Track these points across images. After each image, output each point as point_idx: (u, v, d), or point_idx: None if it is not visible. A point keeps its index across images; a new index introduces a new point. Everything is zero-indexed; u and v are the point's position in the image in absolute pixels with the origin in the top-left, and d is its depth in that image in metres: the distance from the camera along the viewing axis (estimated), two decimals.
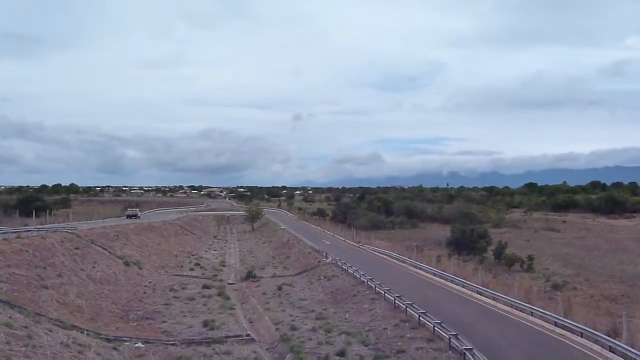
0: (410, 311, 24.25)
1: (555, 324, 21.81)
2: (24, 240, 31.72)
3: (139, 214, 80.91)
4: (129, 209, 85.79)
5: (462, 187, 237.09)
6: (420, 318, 22.85)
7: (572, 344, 19.76)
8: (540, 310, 23.59)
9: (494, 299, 27.34)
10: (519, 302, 25.50)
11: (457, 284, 31.97)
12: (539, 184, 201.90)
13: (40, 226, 44.43)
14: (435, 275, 35.59)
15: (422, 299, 26.67)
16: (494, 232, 70.65)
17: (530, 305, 24.58)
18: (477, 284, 30.35)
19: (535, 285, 36.29)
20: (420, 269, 38.46)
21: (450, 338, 19.45)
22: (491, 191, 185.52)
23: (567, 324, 21.24)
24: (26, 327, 18.10)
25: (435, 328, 21.15)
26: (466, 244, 58.19)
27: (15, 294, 23.12)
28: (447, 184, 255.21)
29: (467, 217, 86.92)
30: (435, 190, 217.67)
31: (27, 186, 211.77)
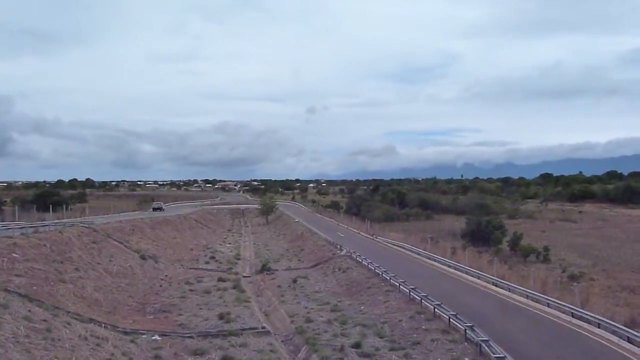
0: (426, 303, 24.16)
1: (572, 315, 21.59)
2: (41, 234, 32.14)
3: (164, 206, 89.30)
4: (154, 202, 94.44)
5: (476, 178, 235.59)
6: (436, 310, 22.77)
7: (589, 335, 19.57)
8: (557, 301, 23.38)
9: (509, 290, 27.14)
10: (535, 293, 25.30)
11: (472, 276, 31.79)
12: (554, 174, 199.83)
13: (58, 221, 44.91)
14: (450, 266, 35.43)
15: (437, 290, 26.56)
16: (509, 223, 70.01)
17: (546, 297, 24.37)
18: (493, 276, 30.16)
19: (552, 277, 35.91)
20: (435, 260, 38.31)
21: (466, 330, 19.35)
22: (506, 182, 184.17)
23: (584, 315, 21.02)
24: (45, 320, 18.35)
25: (451, 320, 21.05)
26: (481, 236, 57.75)
27: (34, 287, 23.45)
28: (462, 176, 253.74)
29: (482, 209, 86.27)
30: (449, 181, 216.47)
31: (44, 181, 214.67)
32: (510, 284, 27.82)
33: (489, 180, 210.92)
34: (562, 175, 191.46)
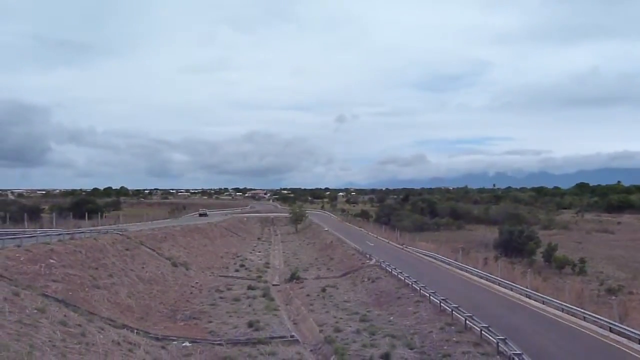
0: (457, 314, 23.75)
1: (610, 330, 20.88)
2: (77, 241, 32.96)
3: (208, 213, 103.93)
4: (200, 209, 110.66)
5: (509, 187, 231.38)
6: (467, 322, 22.36)
7: (628, 350, 18.86)
8: (594, 315, 22.65)
9: (543, 302, 26.45)
10: (570, 306, 24.57)
11: (504, 287, 31.12)
12: (591, 184, 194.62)
13: (93, 228, 46.07)
14: (481, 277, 34.79)
15: (468, 302, 26.10)
16: (543, 234, 68.44)
17: (582, 310, 23.64)
18: (526, 287, 29.45)
19: (588, 290, 34.88)
20: (467, 271, 37.68)
21: (498, 342, 18.92)
22: (540, 192, 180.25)
23: (623, 330, 20.30)
24: (80, 325, 18.78)
25: (483, 332, 20.62)
26: (514, 246, 56.59)
27: (70, 293, 24.04)
28: (494, 185, 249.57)
29: (515, 219, 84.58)
30: (481, 191, 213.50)
31: (80, 189, 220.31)
32: (544, 296, 27.10)
33: (522, 189, 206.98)
34: (599, 185, 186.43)
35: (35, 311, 17.90)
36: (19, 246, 26.72)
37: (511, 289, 30.23)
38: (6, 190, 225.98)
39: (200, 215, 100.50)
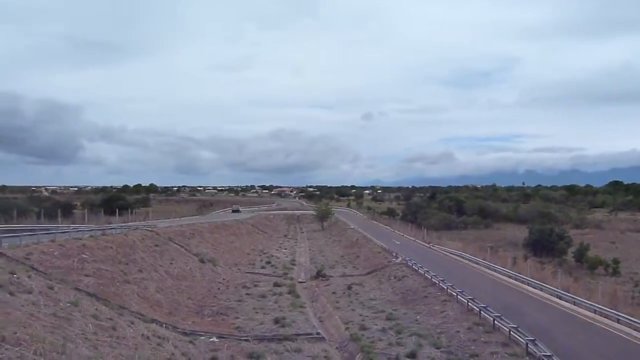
0: (485, 314, 23.45)
1: None
2: (108, 237, 33.65)
3: (241, 209, 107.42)
4: (234, 206, 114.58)
5: (539, 185, 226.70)
6: (495, 322, 22.04)
7: None
8: (628, 317, 22.02)
9: (574, 303, 25.87)
10: (603, 308, 23.96)
11: (534, 287, 30.56)
12: (625, 182, 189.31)
13: (123, 224, 46.98)
14: (510, 277, 34.24)
15: (496, 301, 25.73)
16: (574, 233, 67.00)
17: (616, 312, 23.02)
18: (557, 288, 28.87)
19: (622, 291, 33.97)
20: (495, 270, 37.14)
21: (527, 343, 18.60)
22: (572, 190, 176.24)
23: None
24: (111, 319, 19.19)
25: (511, 332, 20.31)
26: (544, 246, 55.58)
27: (101, 287, 24.58)
28: (523, 183, 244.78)
29: (545, 217, 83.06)
30: (510, 189, 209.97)
31: (111, 186, 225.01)
32: (575, 297, 26.50)
33: (553, 187, 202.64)
34: (633, 183, 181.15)
35: (69, 304, 18.36)
36: (53, 241, 27.44)
37: (541, 289, 29.68)
38: (40, 187, 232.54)
39: (233, 211, 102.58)
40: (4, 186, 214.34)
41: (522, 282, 32.28)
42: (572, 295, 26.89)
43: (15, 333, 12.24)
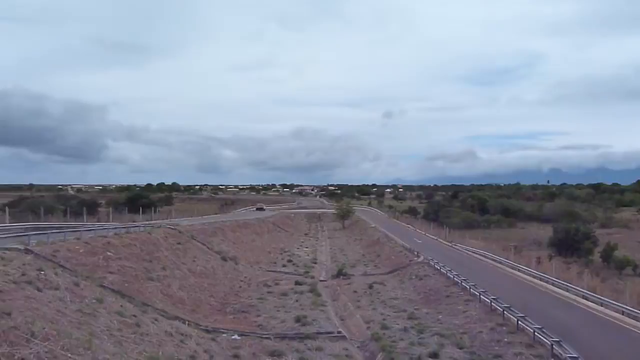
0: (508, 314, 23.13)
1: None
2: (132, 235, 34.13)
3: (265, 207, 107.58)
4: (258, 204, 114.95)
5: (564, 184, 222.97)
6: (519, 322, 21.72)
7: None
8: None
9: (601, 304, 25.35)
10: (631, 309, 23.41)
11: (559, 288, 30.05)
12: None
13: (146, 222, 47.62)
14: (534, 277, 33.73)
15: (520, 301, 25.36)
16: (601, 232, 65.59)
17: None
18: (583, 288, 28.33)
19: None
20: (519, 270, 36.63)
21: (552, 345, 18.27)
22: (598, 188, 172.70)
23: None
24: (135, 315, 19.48)
25: (536, 333, 19.98)
26: (569, 245, 54.57)
27: (126, 284, 24.95)
28: (548, 181, 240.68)
29: (570, 216, 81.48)
30: (534, 187, 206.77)
31: (135, 185, 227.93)
32: (602, 298, 25.97)
33: (579, 186, 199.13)
34: None
35: (94, 301, 18.70)
36: (78, 239, 27.94)
37: (566, 290, 29.16)
38: (66, 185, 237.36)
39: (257, 209, 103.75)
40: (31, 185, 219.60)
41: (547, 282, 31.78)
42: (599, 296, 26.36)
43: (44, 328, 12.52)
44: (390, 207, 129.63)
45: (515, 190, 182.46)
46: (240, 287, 35.53)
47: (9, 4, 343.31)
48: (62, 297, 17.35)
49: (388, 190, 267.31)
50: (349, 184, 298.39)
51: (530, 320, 20.99)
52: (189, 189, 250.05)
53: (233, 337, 21.93)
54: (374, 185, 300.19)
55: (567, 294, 28.68)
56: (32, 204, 62.23)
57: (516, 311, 22.57)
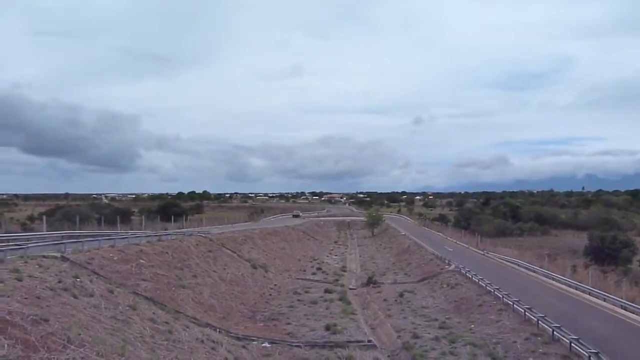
0: (543, 324, 22.56)
1: None
2: (164, 243, 34.71)
3: (301, 214, 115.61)
4: (295, 211, 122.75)
5: (600, 190, 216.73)
6: (555, 332, 21.15)
7: None
8: None
9: None
10: None
11: (596, 297, 29.14)
12: None
13: (178, 230, 48.34)
14: (570, 286, 32.82)
15: (555, 311, 24.72)
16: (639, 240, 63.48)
17: None
18: (621, 298, 27.41)
19: None
20: (553, 279, 35.71)
21: (590, 356, 17.72)
22: (636, 195, 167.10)
23: None
24: (167, 322, 19.76)
25: (572, 344, 19.41)
26: (606, 254, 52.90)
27: (158, 292, 25.36)
28: (583, 188, 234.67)
29: (607, 224, 79.07)
30: (569, 194, 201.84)
31: (167, 193, 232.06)
32: None
33: (615, 192, 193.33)
34: None
35: (128, 308, 19.05)
36: (112, 247, 28.56)
37: (604, 300, 28.27)
38: (100, 194, 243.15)
39: (294, 216, 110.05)
40: (67, 194, 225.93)
41: (583, 291, 30.88)
42: (638, 306, 25.46)
43: (79, 334, 12.80)
44: (420, 214, 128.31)
45: (549, 197, 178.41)
46: (270, 294, 35.66)
47: (45, 19, 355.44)
48: (97, 304, 17.73)
49: (418, 197, 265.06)
50: (378, 192, 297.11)
51: (566, 331, 20.42)
52: (219, 197, 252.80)
53: (263, 344, 22.01)
54: (403, 193, 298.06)
55: (604, 303, 27.80)
56: (68, 212, 63.91)
57: (551, 321, 22.01)
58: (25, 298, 14.90)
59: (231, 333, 23.26)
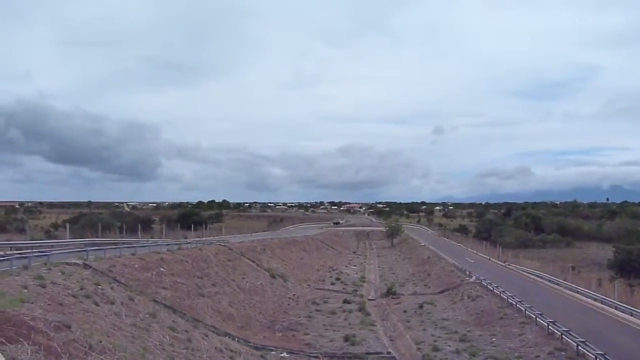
0: (567, 339, 22.04)
1: None
2: (184, 251, 34.96)
3: (341, 221, 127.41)
4: (335, 219, 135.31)
5: (625, 201, 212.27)
6: (579, 347, 20.63)
7: None
8: None
9: None
10: None
11: (622, 312, 28.38)
12: None
13: (198, 239, 48.63)
14: (595, 300, 32.06)
15: (580, 325, 24.14)
16: None
17: None
18: None
19: None
20: (577, 292, 34.94)
21: None
22: None
23: None
24: (186, 331, 19.82)
25: None
26: (633, 267, 51.77)
27: (178, 300, 25.49)
28: (608, 199, 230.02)
29: (633, 236, 77.32)
30: (593, 205, 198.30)
31: (187, 202, 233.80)
32: None
33: None
34: None
35: (148, 316, 19.17)
36: (133, 254, 28.85)
37: (631, 314, 27.50)
38: (122, 202, 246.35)
39: (335, 224, 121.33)
40: (89, 202, 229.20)
41: (609, 305, 30.11)
42: None
43: (101, 342, 12.88)
44: (440, 225, 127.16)
45: (572, 208, 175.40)
46: (289, 304, 35.58)
47: (72, 30, 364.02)
48: (118, 312, 17.88)
49: (437, 208, 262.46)
50: (398, 202, 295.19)
51: (591, 346, 19.90)
52: (238, 206, 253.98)
53: (282, 355, 21.93)
54: (423, 203, 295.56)
55: (631, 318, 27.05)
56: (91, 220, 64.92)
57: (576, 335, 21.49)
58: (49, 304, 15.09)
59: (250, 342, 23.23)
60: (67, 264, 21.89)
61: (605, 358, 18.50)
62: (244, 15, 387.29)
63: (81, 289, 18.39)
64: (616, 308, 29.20)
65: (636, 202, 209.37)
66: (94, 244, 35.00)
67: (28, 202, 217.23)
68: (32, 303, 14.36)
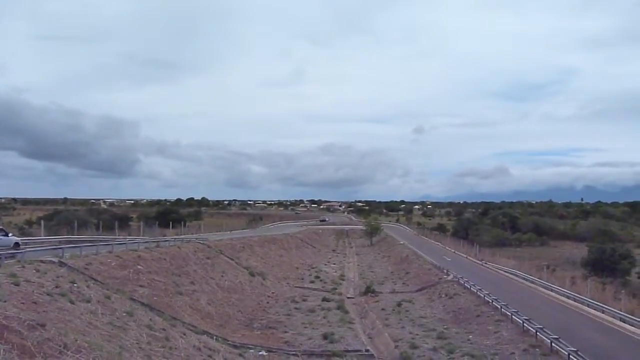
0: (541, 336, 22.47)
1: None
2: (162, 249, 34.65)
3: (327, 219, 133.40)
4: (322, 216, 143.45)
5: (599, 202, 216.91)
6: (553, 344, 21.06)
7: None
8: None
9: None
10: None
11: (595, 309, 29.04)
12: None
13: (176, 237, 48.25)
14: (568, 298, 32.73)
15: (554, 323, 24.62)
16: (638, 252, 63.46)
17: None
18: (620, 310, 27.32)
19: None
20: (552, 290, 35.61)
21: None
22: (635, 207, 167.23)
23: None
24: (164, 329, 19.66)
25: (571, 356, 19.30)
26: (605, 265, 52.92)
27: (155, 298, 25.26)
28: (582, 199, 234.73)
29: (606, 235, 79.21)
30: (567, 205, 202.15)
31: (165, 199, 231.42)
32: None
33: (614, 204, 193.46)
34: None
35: (124, 314, 18.96)
36: (110, 252, 28.51)
37: (602, 311, 28.16)
38: (99, 199, 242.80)
39: (321, 221, 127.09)
40: (65, 199, 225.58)
41: (582, 303, 30.79)
42: (637, 319, 25.38)
43: (76, 340, 12.72)
44: (419, 224, 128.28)
45: (548, 207, 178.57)
46: (268, 302, 35.53)
47: (49, 24, 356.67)
48: (94, 310, 17.65)
49: (416, 206, 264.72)
50: (377, 200, 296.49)
51: (565, 342, 20.34)
52: (217, 204, 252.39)
53: (260, 353, 21.91)
54: (402, 202, 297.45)
55: (603, 315, 27.70)
56: (66, 217, 63.83)
57: (550, 332, 21.92)
58: (22, 303, 14.83)
59: (228, 341, 23.15)
60: (41, 261, 21.53)
61: (578, 354, 18.92)
62: (227, 13, 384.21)
63: (56, 287, 18.11)
64: (589, 305, 29.86)
65: (609, 202, 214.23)
66: (69, 242, 34.47)
67: (1, 198, 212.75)
68: (5, 302, 14.09)
